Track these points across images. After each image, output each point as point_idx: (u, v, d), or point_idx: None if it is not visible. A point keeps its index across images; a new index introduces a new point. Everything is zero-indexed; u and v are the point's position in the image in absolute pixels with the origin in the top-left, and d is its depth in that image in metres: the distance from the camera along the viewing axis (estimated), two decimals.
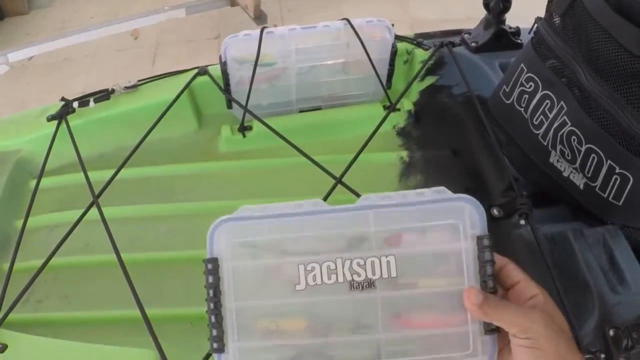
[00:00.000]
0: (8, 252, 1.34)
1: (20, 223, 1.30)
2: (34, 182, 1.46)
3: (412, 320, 0.76)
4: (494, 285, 0.74)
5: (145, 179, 1.51)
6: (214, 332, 0.75)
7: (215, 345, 0.75)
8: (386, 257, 0.75)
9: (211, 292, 0.75)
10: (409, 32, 1.73)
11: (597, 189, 1.10)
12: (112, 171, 1.35)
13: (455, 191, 0.76)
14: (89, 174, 1.35)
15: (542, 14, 1.27)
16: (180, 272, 1.33)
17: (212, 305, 0.75)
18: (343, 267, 0.75)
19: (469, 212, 0.75)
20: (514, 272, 0.76)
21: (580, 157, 1.11)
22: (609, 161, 1.06)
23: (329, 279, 0.75)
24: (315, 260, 0.75)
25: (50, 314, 1.27)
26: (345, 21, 1.50)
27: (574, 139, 1.12)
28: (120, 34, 3.77)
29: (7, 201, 1.45)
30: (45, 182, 1.42)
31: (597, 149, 1.08)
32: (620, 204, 1.06)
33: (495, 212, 1.28)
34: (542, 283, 0.75)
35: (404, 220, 0.76)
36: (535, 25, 1.26)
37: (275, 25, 2.86)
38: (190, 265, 1.33)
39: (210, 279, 0.75)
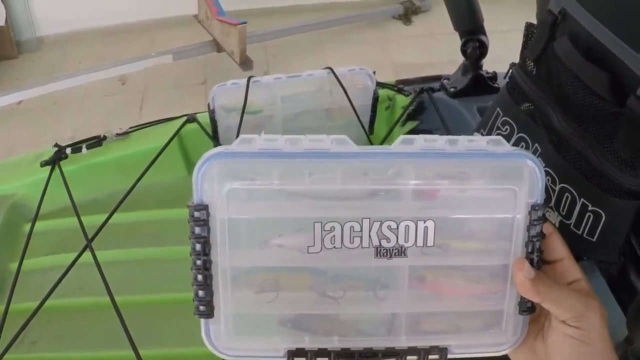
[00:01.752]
0: (3, 295, 1.37)
1: (14, 266, 1.33)
2: (28, 226, 1.49)
3: (441, 286, 0.68)
4: (539, 262, 0.66)
5: (137, 224, 1.55)
6: (201, 293, 0.66)
7: (202, 308, 0.66)
8: (424, 222, 0.64)
9: (198, 246, 0.65)
10: (392, 76, 1.78)
11: (571, 226, 1.13)
12: (104, 215, 1.38)
13: None
14: (83, 218, 1.38)
15: (517, 59, 1.32)
16: (172, 314, 1.36)
17: (198, 261, 0.65)
18: (370, 230, 0.63)
19: (528, 174, 0.65)
20: (559, 247, 0.68)
21: (555, 196, 1.15)
22: (582, 199, 1.09)
23: (351, 242, 0.64)
24: (334, 218, 0.63)
25: (44, 355, 1.30)
26: (328, 70, 1.55)
27: (548, 179, 1.16)
28: (108, 79, 3.81)
29: (2, 244, 1.48)
30: (39, 225, 1.44)
31: (571, 188, 1.11)
32: (595, 240, 1.09)
33: None
34: None
35: (449, 175, 0.64)
36: (510, 71, 1.31)
37: (265, 73, 2.91)
38: (183, 307, 1.36)
39: (198, 230, 0.65)
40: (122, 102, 3.83)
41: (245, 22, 3.56)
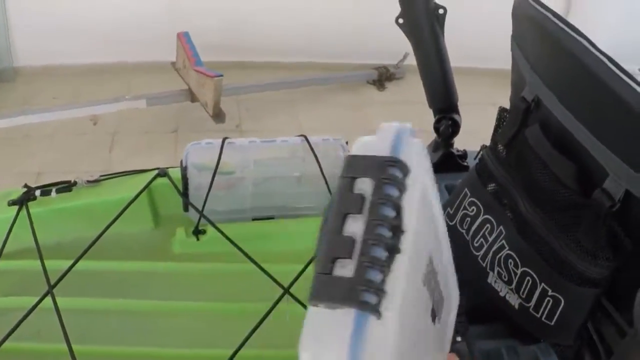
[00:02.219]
0: None
1: None
2: None
3: None
4: None
5: (99, 273, 1.54)
6: (375, 278, 0.45)
7: (369, 298, 0.44)
8: None
9: (391, 212, 0.48)
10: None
11: (530, 310, 1.15)
12: (67, 261, 1.38)
13: None
14: (45, 261, 1.38)
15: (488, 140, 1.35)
16: None
17: (386, 236, 0.47)
18: None
19: None
20: None
21: (516, 279, 1.17)
22: (542, 284, 1.11)
23: None
24: None
25: None
26: (302, 137, 1.59)
27: (510, 262, 1.18)
28: (80, 118, 3.82)
29: None
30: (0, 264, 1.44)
31: (532, 272, 1.13)
32: (552, 323, 1.11)
33: None
34: None
35: None
36: (480, 153, 1.34)
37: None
38: None
39: (393, 191, 0.49)
40: (92, 142, 3.82)
41: (221, 75, 3.59)
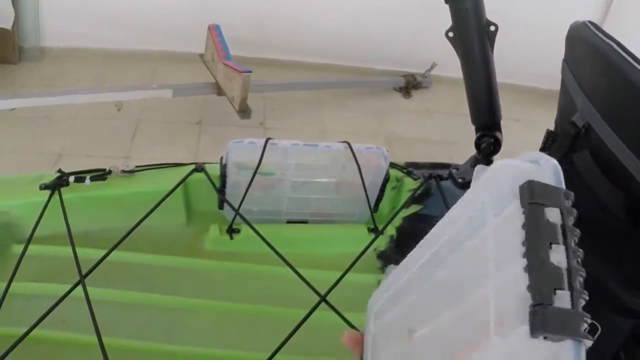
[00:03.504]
0: None
1: None
2: (15, 247, 1.47)
3: None
4: None
5: (129, 265, 1.53)
6: (584, 309, 0.50)
7: (584, 328, 0.50)
8: None
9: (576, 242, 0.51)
10: (384, 147, 1.76)
11: None
12: (96, 250, 1.37)
13: None
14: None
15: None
16: None
17: (580, 267, 0.51)
18: None
19: None
20: None
21: None
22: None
23: None
24: None
25: None
26: (345, 144, 1.56)
27: None
28: (104, 103, 3.79)
29: None
30: (28, 249, 1.41)
31: None
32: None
33: None
34: None
35: None
36: None
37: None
38: (163, 359, 1.35)
39: (573, 222, 0.53)
40: (115, 127, 3.80)
41: (250, 71, 3.56)
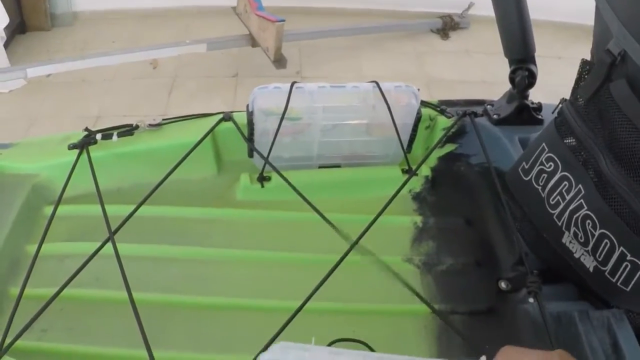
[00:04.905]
0: (16, 276, 1.35)
1: (31, 248, 1.29)
2: (47, 208, 1.47)
3: None
4: None
5: (160, 219, 1.51)
6: None
7: None
8: None
9: None
10: (424, 90, 1.72)
11: (606, 273, 1.10)
12: (127, 206, 1.35)
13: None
14: (105, 207, 1.35)
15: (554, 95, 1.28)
16: (188, 317, 1.33)
17: None
18: None
19: None
20: None
21: (593, 241, 1.12)
22: (621, 248, 1.06)
23: None
24: None
25: (54, 345, 1.26)
26: (374, 84, 1.51)
27: (588, 223, 1.13)
28: (139, 62, 3.79)
29: (20, 225, 1.44)
30: (59, 210, 1.40)
31: (611, 235, 1.08)
32: (629, 289, 1.07)
33: (503, 285, 1.29)
34: None
35: None
36: (560, 106, 1.27)
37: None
38: (198, 311, 1.34)
39: None
40: (152, 86, 3.80)
41: (283, 20, 3.53)
